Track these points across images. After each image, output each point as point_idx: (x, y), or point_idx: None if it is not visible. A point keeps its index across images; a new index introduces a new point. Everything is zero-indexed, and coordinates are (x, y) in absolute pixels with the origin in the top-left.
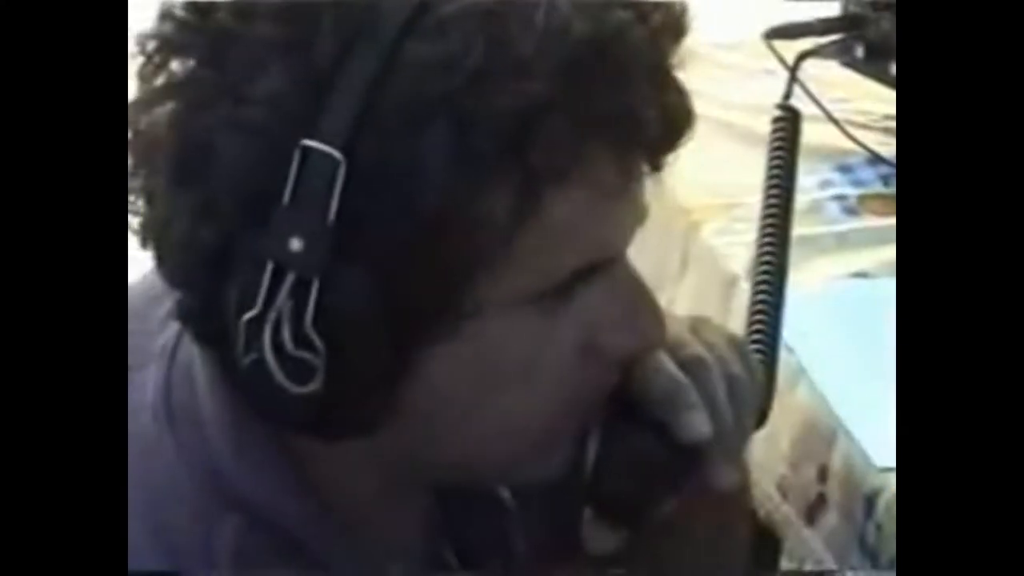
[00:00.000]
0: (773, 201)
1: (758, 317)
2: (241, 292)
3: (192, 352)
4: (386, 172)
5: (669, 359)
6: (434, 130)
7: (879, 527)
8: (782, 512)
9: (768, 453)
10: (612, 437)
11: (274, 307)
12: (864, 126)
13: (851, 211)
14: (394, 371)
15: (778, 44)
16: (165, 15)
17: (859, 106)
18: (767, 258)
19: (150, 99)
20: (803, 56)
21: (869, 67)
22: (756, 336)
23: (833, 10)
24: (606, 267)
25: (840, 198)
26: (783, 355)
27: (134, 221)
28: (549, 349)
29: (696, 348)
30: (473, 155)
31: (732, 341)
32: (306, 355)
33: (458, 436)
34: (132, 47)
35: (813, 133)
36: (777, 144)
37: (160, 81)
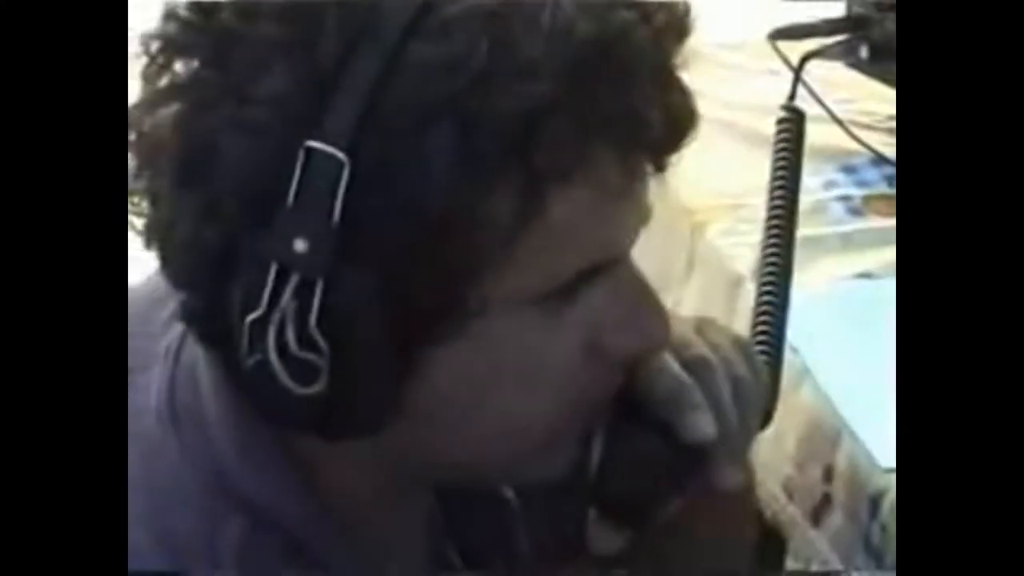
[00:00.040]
0: (778, 202)
1: (763, 318)
2: (245, 293)
3: (196, 353)
4: (390, 173)
5: (673, 359)
6: (438, 131)
7: (884, 527)
8: (788, 513)
9: (774, 454)
10: (616, 437)
11: (278, 308)
12: (868, 127)
13: (855, 212)
14: (398, 371)
15: (782, 45)
16: (169, 16)
17: (863, 107)
18: (772, 259)
19: (154, 100)
20: (807, 57)
21: (873, 68)
22: (761, 337)
23: (837, 11)
24: (610, 268)
25: (844, 199)
26: (788, 356)
27: (138, 222)
28: (553, 350)
29: (701, 348)
30: (477, 156)
31: (737, 342)
32: (310, 356)
33: (462, 436)
34: (136, 48)
35: (817, 134)
36: (781, 145)
37: (164, 82)
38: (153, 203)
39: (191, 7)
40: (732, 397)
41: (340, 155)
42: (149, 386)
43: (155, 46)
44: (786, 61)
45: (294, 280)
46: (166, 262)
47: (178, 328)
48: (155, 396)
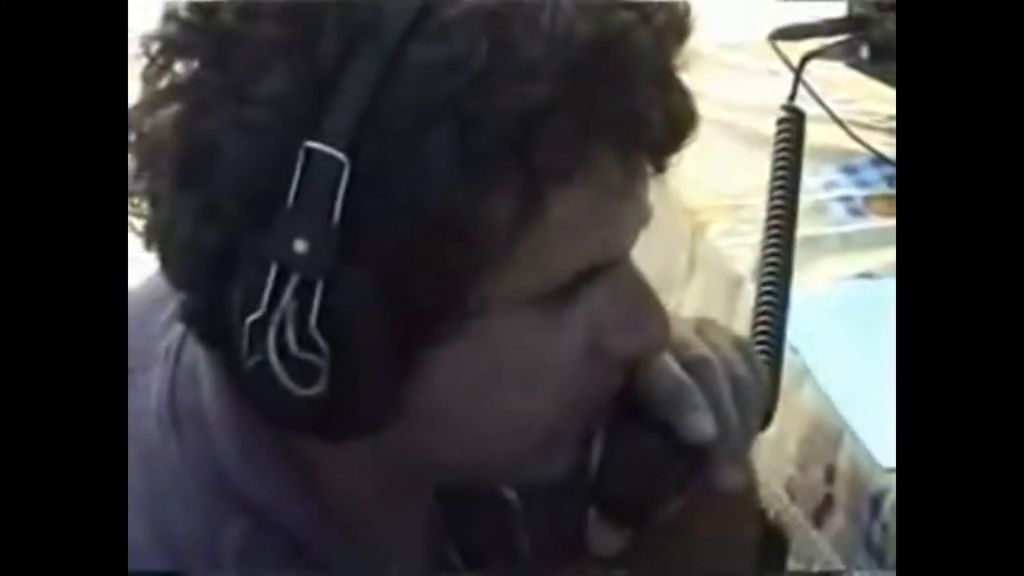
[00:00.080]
0: (778, 202)
1: (763, 318)
2: (245, 294)
3: (196, 354)
4: (390, 173)
5: (673, 360)
6: (438, 131)
7: (885, 527)
8: (790, 513)
9: (776, 454)
10: (616, 438)
11: (278, 309)
12: (869, 127)
13: (856, 212)
14: (398, 372)
15: (783, 45)
16: (169, 16)
17: (864, 107)
18: (771, 259)
19: (154, 101)
20: (808, 57)
21: (874, 68)
22: (761, 337)
23: (838, 11)
24: (610, 268)
25: (845, 199)
26: (789, 356)
27: (138, 223)
28: (553, 350)
29: (700, 349)
30: (477, 156)
31: (736, 342)
32: (310, 357)
33: (462, 436)
34: (136, 49)
35: (818, 134)
36: (782, 145)
37: (164, 83)
38: (153, 204)
39: (191, 8)
40: (732, 397)
41: (340, 156)
42: (149, 387)
43: (155, 47)
44: (786, 61)
45: (294, 281)
46: (166, 263)
47: (178, 329)
48: (155, 397)
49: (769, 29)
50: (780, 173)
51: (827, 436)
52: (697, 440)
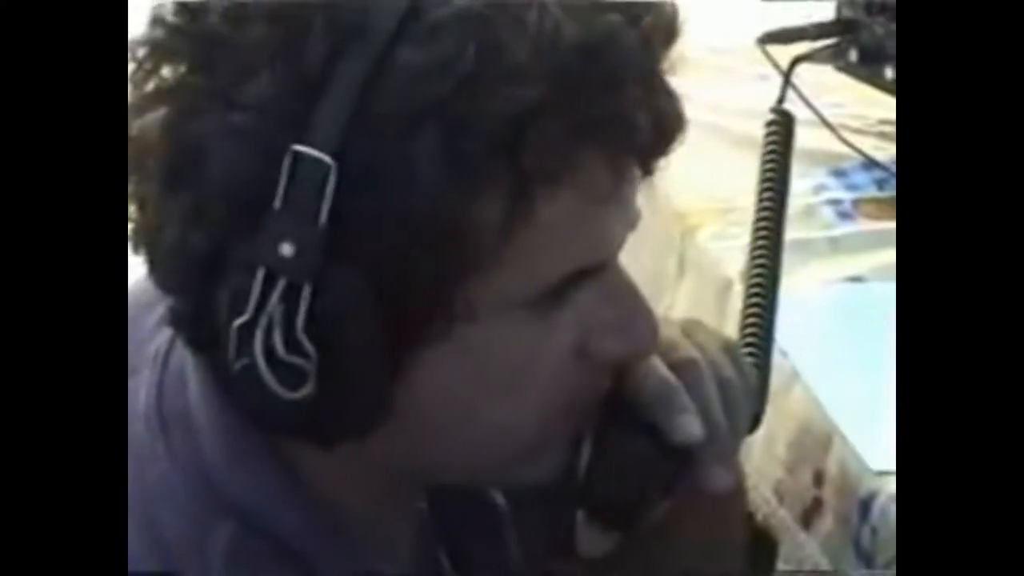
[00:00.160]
0: (767, 205)
1: (751, 320)
2: (232, 297)
3: (185, 358)
4: (377, 176)
5: (661, 362)
6: (425, 134)
7: (874, 530)
8: (779, 516)
9: (765, 457)
10: (604, 440)
11: (265, 312)
12: (858, 130)
13: (845, 215)
14: (386, 375)
15: (772, 48)
16: (156, 20)
17: (853, 110)
18: (760, 262)
19: (141, 105)
20: (797, 60)
21: (863, 71)
22: (749, 340)
23: (827, 14)
24: (598, 271)
25: (834, 202)
26: (778, 359)
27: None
28: (541, 353)
29: (688, 351)
30: (464, 159)
31: (724, 344)
32: (297, 360)
33: (451, 439)
34: None
35: (807, 137)
36: (771, 148)
37: (151, 87)
38: (140, 207)
39: (178, 11)
40: (719, 399)
41: (327, 159)
42: (138, 391)
43: (142, 51)
44: (775, 65)
45: (281, 284)
46: (154, 267)
47: (166, 333)
48: (144, 401)
49: (758, 32)
50: (768, 176)
51: (816, 439)
52: (685, 442)
